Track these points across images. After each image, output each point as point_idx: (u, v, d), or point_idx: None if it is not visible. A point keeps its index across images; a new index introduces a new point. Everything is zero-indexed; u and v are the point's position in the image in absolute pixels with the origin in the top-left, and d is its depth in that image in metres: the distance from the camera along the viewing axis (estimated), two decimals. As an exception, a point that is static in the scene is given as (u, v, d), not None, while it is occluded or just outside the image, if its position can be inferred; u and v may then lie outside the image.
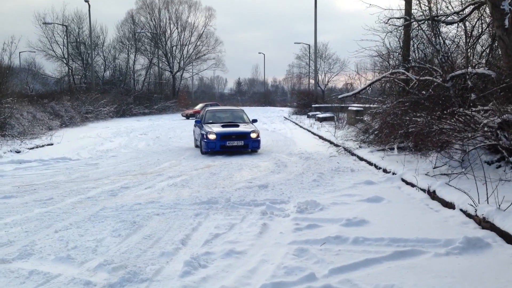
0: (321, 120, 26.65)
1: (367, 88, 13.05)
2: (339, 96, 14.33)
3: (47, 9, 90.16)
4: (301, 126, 25.56)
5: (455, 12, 11.79)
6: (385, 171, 9.82)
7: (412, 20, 12.77)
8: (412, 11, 13.10)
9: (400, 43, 14.55)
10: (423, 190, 7.57)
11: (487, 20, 11.42)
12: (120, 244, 5.46)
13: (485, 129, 7.61)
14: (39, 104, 26.69)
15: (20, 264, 4.81)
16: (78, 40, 50.18)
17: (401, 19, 13.50)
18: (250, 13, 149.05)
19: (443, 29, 12.99)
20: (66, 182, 9.70)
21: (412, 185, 8.06)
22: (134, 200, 7.79)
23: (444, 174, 7.82)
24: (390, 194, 7.78)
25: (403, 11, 13.58)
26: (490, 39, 11.74)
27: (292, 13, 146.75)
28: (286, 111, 45.34)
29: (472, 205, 5.96)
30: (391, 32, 13.71)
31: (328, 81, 60.97)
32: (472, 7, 11.08)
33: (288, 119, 33.42)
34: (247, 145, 13.72)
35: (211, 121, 14.97)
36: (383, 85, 14.30)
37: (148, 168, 11.51)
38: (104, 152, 15.22)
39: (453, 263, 4.63)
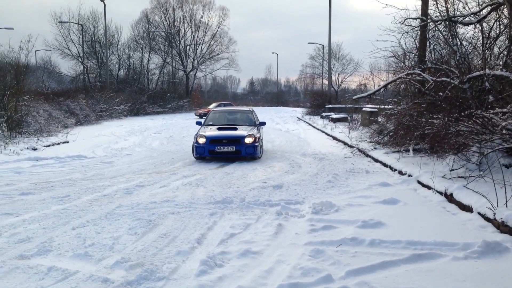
0: (335, 120, 26.56)
1: (382, 89, 12.97)
2: (354, 97, 14.24)
3: (63, 8, 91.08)
4: (314, 127, 25.49)
5: (472, 13, 11.66)
6: (400, 173, 9.74)
7: (428, 21, 12.65)
8: (429, 11, 12.98)
9: (416, 44, 14.42)
10: (440, 193, 7.50)
11: (505, 21, 11.28)
12: (137, 242, 5.49)
13: (503, 131, 7.51)
14: (55, 102, 26.97)
15: (39, 260, 4.86)
16: (93, 39, 50.60)
17: (418, 20, 13.37)
18: (264, 12, 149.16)
19: (460, 30, 12.88)
20: (82, 179, 9.79)
21: (429, 188, 7.99)
22: (149, 198, 7.83)
23: (461, 177, 7.73)
24: (406, 196, 7.72)
25: (420, 12, 13.46)
26: (507, 40, 11.58)
27: (305, 12, 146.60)
28: (299, 111, 45.25)
29: (490, 209, 5.89)
30: (407, 32, 13.60)
31: (341, 82, 60.68)
32: (489, 8, 10.94)
33: (302, 120, 33.34)
34: (239, 151, 12.25)
35: (211, 123, 13.95)
36: (398, 86, 14.20)
37: (162, 167, 11.57)
38: (118, 151, 15.33)
39: (471, 267, 4.58)
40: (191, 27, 59.83)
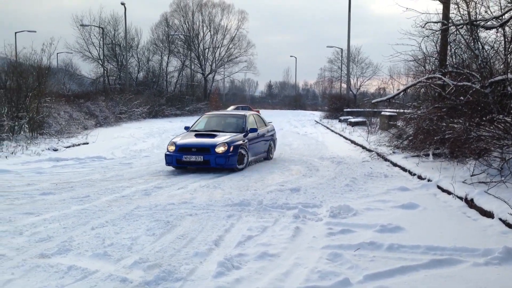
0: (353, 124, 26.40)
1: (402, 93, 12.85)
2: (373, 101, 14.16)
3: (85, 12, 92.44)
4: (332, 130, 25.38)
5: (494, 17, 11.46)
6: (420, 177, 9.63)
7: (450, 25, 12.50)
8: (450, 15, 12.83)
9: (436, 48, 14.25)
10: (460, 198, 7.39)
11: (529, 25, 11.07)
12: (155, 243, 5.53)
13: (526, 137, 7.37)
14: (75, 104, 27.38)
15: (59, 259, 4.93)
16: (113, 42, 51.26)
17: (439, 24, 13.23)
18: (283, 16, 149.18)
19: (482, 34, 12.67)
20: (101, 180, 9.91)
21: (449, 193, 7.88)
22: (167, 200, 7.89)
23: (482, 182, 7.61)
24: (426, 201, 7.63)
25: (441, 15, 13.32)
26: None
27: (324, 16, 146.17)
28: (317, 115, 45.11)
29: (512, 215, 5.79)
30: (427, 36, 13.45)
31: (360, 86, 60.39)
32: (512, 12, 10.76)
33: (319, 123, 33.23)
34: (208, 162, 10.85)
35: (197, 128, 12.77)
36: (418, 90, 14.05)
37: (180, 169, 11.63)
38: (137, 152, 15.48)
39: (492, 273, 4.50)
40: (210, 31, 60.28)
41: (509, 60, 11.07)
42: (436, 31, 13.35)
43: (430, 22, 12.96)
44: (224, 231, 6.01)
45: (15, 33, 41.06)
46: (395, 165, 11.64)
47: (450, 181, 8.21)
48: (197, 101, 51.76)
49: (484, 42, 12.16)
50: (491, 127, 8.23)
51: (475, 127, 8.76)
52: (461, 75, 11.36)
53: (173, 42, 56.95)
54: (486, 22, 11.59)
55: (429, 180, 9.04)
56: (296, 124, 32.37)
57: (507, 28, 11.53)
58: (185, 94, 52.37)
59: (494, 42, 12.37)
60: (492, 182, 7.42)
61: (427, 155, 11.25)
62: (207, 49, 60.65)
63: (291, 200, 7.81)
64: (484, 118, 9.00)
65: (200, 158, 10.89)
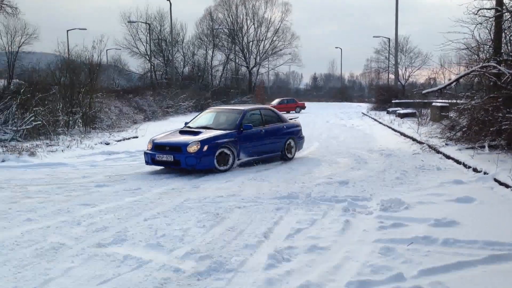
0: (402, 116, 25.74)
1: (454, 82, 12.40)
2: (423, 91, 13.73)
3: (132, 9, 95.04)
4: (380, 122, 24.86)
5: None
6: (475, 170, 9.27)
7: (504, 11, 11.93)
8: (504, 1, 12.23)
9: (490, 35, 13.64)
10: (519, 192, 7.06)
11: None
12: (205, 234, 5.61)
13: None
14: (125, 99, 28.15)
15: (115, 249, 5.10)
16: (159, 37, 52.31)
17: (492, 10, 12.65)
18: (327, 6, 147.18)
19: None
20: (151, 173, 10.14)
21: (507, 186, 7.54)
22: (215, 192, 7.98)
23: (543, 175, 7.25)
24: (482, 194, 7.33)
25: (494, 1, 12.72)
26: None
27: (370, 5, 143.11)
28: (364, 106, 44.34)
29: None
30: (480, 23, 12.89)
31: (409, 76, 58.54)
32: None
33: (367, 115, 32.64)
34: (178, 162, 9.91)
35: (191, 125, 11.77)
36: (471, 79, 13.51)
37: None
38: (185, 145, 15.69)
39: (557, 271, 4.28)
40: (253, 23, 60.29)
41: None
42: (490, 18, 12.76)
43: (483, 8, 12.42)
44: (273, 224, 6.02)
45: (67, 31, 42.59)
46: (448, 157, 11.26)
47: (508, 174, 7.87)
48: (242, 95, 52.01)
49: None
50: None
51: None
52: (518, 63, 10.82)
53: (218, 36, 57.41)
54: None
55: (485, 173, 8.69)
56: (342, 116, 31.95)
57: None
58: (230, 88, 52.74)
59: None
60: (554, 175, 7.05)
61: (483, 147, 10.81)
62: (251, 42, 60.75)
63: (340, 193, 7.72)
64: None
65: (170, 158, 9.99)
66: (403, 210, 6.56)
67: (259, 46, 60.92)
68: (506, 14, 11.94)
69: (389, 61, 54.69)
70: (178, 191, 8.23)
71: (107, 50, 51.04)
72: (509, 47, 13.13)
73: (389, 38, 52.22)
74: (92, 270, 4.49)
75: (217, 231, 5.74)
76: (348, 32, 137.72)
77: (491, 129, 10.21)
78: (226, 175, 9.76)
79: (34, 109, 16.23)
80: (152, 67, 51.15)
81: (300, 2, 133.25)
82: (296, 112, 40.06)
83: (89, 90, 19.78)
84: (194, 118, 12.32)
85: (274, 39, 60.99)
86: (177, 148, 10.04)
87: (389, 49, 53.61)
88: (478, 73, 11.86)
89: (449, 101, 17.43)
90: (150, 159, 10.33)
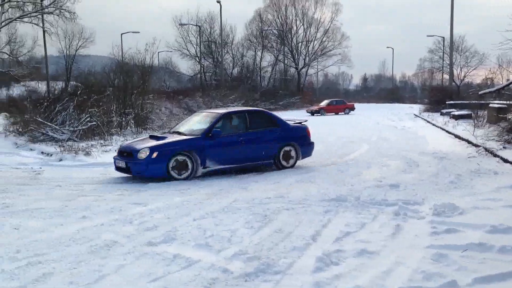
0: (457, 117, 24.82)
1: (514, 82, 11.83)
2: (480, 92, 13.22)
3: (183, 12, 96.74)
4: (433, 124, 24.09)
5: None
6: (535, 175, 8.81)
7: None
8: None
9: (554, 32, 12.93)
10: None
11: None
12: (253, 236, 5.63)
13: None
14: (175, 100, 28.85)
15: (165, 247, 5.21)
16: (209, 39, 53.18)
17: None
18: (377, 5, 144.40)
19: None
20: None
21: None
22: (263, 194, 7.99)
23: None
24: (544, 201, 6.95)
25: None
26: None
27: (423, 3, 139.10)
28: (416, 108, 43.08)
29: None
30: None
31: (464, 76, 56.58)
32: None
33: (419, 117, 31.73)
34: (129, 169, 9.56)
35: (173, 129, 11.33)
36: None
37: (275, 163, 11.72)
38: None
39: None
40: (303, 24, 60.17)
41: None
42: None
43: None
44: (321, 226, 5.96)
45: (121, 34, 44.07)
46: (506, 161, 10.75)
47: None
48: (291, 96, 51.91)
49: None
50: None
51: None
52: None
53: (267, 37, 57.66)
54: None
55: (546, 178, 8.23)
56: (393, 118, 31.21)
57: None
58: (278, 89, 52.81)
59: None
60: None
61: (544, 150, 10.25)
62: (300, 43, 60.63)
63: (390, 197, 7.53)
64: None
65: (123, 164, 9.67)
66: (457, 215, 6.32)
67: (308, 47, 60.75)
68: None
69: (443, 60, 52.98)
70: (226, 191, 8.31)
71: (158, 52, 52.46)
72: None
73: (443, 37, 50.51)
74: (143, 268, 4.61)
75: (265, 233, 5.74)
76: (400, 31, 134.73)
77: (553, 131, 9.66)
78: (273, 177, 9.76)
79: (89, 110, 16.90)
80: (202, 68, 52.03)
81: (351, 1, 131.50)
82: (345, 114, 39.57)
83: (141, 92, 20.37)
84: (179, 123, 12.01)
85: (324, 39, 60.66)
86: (130, 154, 9.67)
87: (443, 49, 51.90)
88: (539, 72, 11.26)
89: (508, 102, 16.66)
90: (115, 164, 10.06)
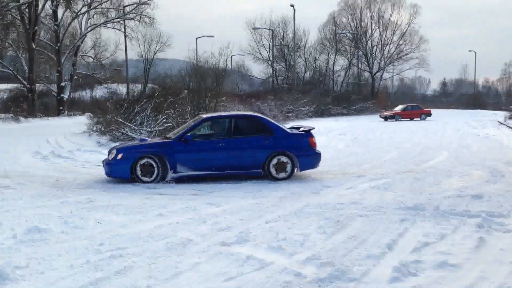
0: (546, 125, 23.07)
1: None
2: None
3: (257, 16, 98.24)
4: (519, 132, 22.54)
5: None
6: None
7: None
8: None
9: None
10: None
11: None
12: (326, 241, 5.54)
13: None
14: (247, 103, 29.25)
15: (238, 248, 5.26)
16: (282, 43, 53.46)
17: None
18: (459, 7, 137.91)
19: None
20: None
21: None
22: (336, 199, 7.85)
23: None
24: None
25: None
26: None
27: (508, 3, 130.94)
28: (500, 115, 40.47)
29: None
30: None
31: (555, 81, 52.49)
32: None
33: (504, 124, 29.80)
34: (105, 170, 9.89)
35: (172, 132, 11.28)
36: None
37: (348, 169, 11.52)
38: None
39: None
40: (378, 27, 58.81)
41: None
42: None
43: None
44: (398, 235, 5.75)
45: (196, 38, 45.42)
46: None
47: None
48: (364, 100, 50.84)
49: None
50: None
51: None
52: None
53: (340, 41, 56.96)
54: None
55: None
56: (475, 125, 29.56)
57: None
58: (351, 93, 51.91)
59: None
60: None
61: None
62: (375, 47, 59.27)
63: (473, 208, 7.11)
64: None
65: (102, 164, 10.12)
66: (549, 230, 5.84)
67: (384, 50, 59.24)
68: None
69: (531, 64, 49.48)
70: (298, 195, 8.26)
71: (232, 56, 53.57)
72: None
73: (532, 39, 47.16)
74: (217, 267, 4.68)
75: (338, 238, 5.64)
76: (482, 34, 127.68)
77: None
78: (347, 182, 9.56)
79: (166, 111, 17.55)
80: (274, 72, 52.41)
81: (430, 3, 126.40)
82: (421, 120, 38.04)
83: (215, 94, 20.85)
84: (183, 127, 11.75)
85: (400, 43, 58.91)
86: (107, 155, 10.16)
87: (531, 51, 48.46)
88: None
89: None
90: None
